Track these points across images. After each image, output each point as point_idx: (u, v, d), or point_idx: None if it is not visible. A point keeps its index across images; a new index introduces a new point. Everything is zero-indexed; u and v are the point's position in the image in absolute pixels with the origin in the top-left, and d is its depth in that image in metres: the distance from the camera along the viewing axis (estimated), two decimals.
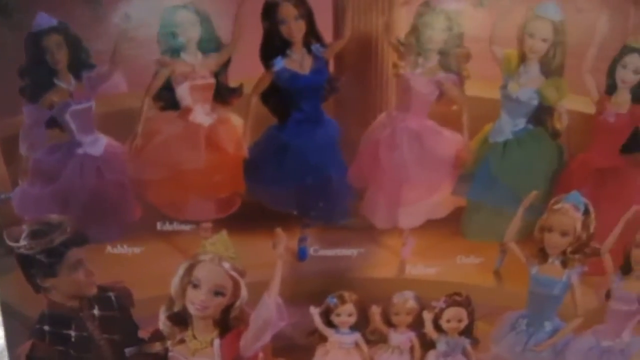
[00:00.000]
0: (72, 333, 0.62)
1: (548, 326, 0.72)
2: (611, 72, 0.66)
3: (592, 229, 0.68)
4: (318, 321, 0.69)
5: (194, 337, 0.65)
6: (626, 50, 0.65)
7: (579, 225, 0.68)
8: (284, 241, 0.64)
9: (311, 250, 0.67)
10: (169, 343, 0.65)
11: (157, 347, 0.66)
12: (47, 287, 0.60)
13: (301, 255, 0.67)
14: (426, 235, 0.68)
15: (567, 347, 0.73)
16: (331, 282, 0.68)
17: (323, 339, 0.71)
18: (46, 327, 0.62)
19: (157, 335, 0.66)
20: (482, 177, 0.67)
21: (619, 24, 0.64)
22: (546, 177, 0.68)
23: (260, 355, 0.67)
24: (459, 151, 0.66)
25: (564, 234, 0.68)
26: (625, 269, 0.71)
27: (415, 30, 0.63)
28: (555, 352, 0.73)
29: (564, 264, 0.70)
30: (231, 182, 0.65)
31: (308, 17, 0.62)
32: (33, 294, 0.61)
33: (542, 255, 0.70)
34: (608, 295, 0.72)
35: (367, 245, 0.67)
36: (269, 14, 0.62)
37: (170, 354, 0.66)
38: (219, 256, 0.63)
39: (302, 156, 0.65)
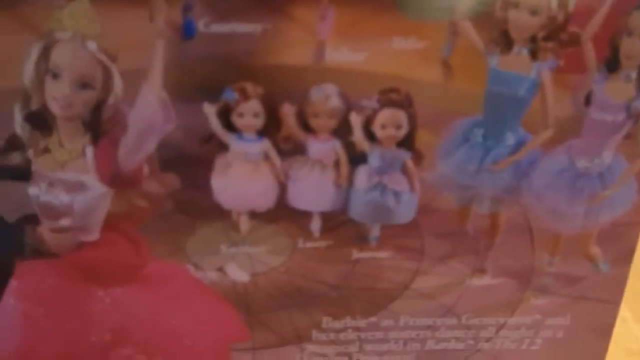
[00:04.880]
0: None
1: (510, 138, 0.57)
2: None
3: (570, 7, 0.53)
4: (215, 123, 0.54)
5: (61, 145, 0.52)
6: None
7: (554, 1, 0.53)
8: (164, 11, 0.49)
9: (200, 25, 0.51)
10: (30, 153, 0.52)
11: (15, 157, 0.54)
12: None
13: (187, 31, 0.51)
14: (352, 6, 0.51)
15: (532, 166, 0.58)
16: (229, 70, 0.52)
17: (222, 147, 0.55)
18: None
19: (15, 142, 0.53)
20: None
21: None
22: None
23: (145, 168, 0.54)
24: None
25: (533, 11, 0.53)
26: (612, 65, 0.55)
27: None
28: (518, 172, 0.58)
29: (533, 54, 0.54)
30: None
31: None
32: None
33: (506, 40, 0.54)
34: (588, 101, 0.57)
35: (273, 19, 0.51)
36: None
37: (33, 167, 0.53)
38: (81, 33, 0.49)
39: None
